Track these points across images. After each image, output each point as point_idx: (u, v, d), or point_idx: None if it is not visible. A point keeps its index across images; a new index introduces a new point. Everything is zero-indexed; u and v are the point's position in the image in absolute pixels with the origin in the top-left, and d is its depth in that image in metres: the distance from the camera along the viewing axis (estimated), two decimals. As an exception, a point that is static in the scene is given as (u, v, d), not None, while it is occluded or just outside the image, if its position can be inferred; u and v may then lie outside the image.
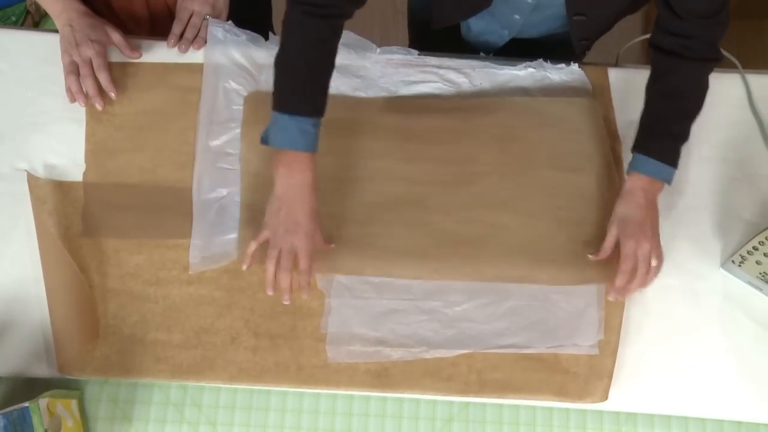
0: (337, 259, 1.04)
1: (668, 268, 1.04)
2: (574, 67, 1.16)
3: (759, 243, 1.04)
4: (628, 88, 1.16)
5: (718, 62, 1.00)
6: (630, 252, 0.99)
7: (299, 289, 0.99)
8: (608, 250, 1.01)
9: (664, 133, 1.01)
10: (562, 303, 1.03)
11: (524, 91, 1.16)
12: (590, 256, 1.02)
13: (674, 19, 0.97)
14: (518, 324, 1.02)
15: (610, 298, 1.01)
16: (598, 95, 1.16)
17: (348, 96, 1.15)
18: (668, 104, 1.01)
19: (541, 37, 1.19)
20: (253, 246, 0.99)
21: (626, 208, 1.01)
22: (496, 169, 1.10)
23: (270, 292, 0.98)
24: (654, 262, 0.99)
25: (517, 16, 1.12)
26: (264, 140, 0.99)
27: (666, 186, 1.09)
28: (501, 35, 1.20)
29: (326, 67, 0.99)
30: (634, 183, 1.01)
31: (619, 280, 0.99)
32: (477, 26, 1.15)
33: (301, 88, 0.98)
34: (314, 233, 0.98)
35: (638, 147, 1.02)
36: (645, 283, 1.00)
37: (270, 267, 0.97)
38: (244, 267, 1.01)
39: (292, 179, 0.97)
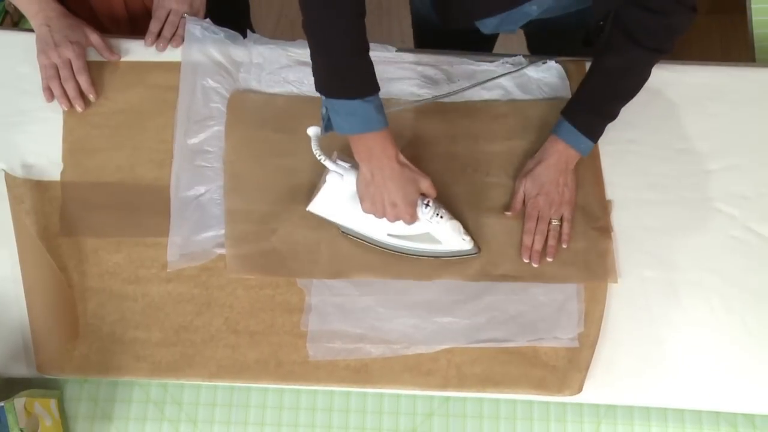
0: (319, 261, 1.04)
1: (645, 259, 1.05)
2: (552, 63, 1.16)
3: None
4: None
5: (666, 54, 1.00)
6: (532, 211, 1.04)
7: None
8: (517, 207, 1.06)
9: (594, 108, 1.04)
10: (541, 297, 1.03)
11: (502, 87, 1.16)
12: (506, 213, 1.06)
13: None
14: (498, 318, 1.02)
15: (525, 260, 1.04)
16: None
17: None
18: (608, 82, 1.03)
19: (557, 20, 1.17)
20: None
21: (536, 166, 1.05)
22: (477, 170, 1.10)
23: None
24: (555, 222, 1.04)
25: (534, 7, 1.08)
26: (328, 127, 0.94)
27: (643, 178, 1.10)
28: (517, 24, 1.17)
29: (367, 40, 0.93)
30: (552, 145, 1.05)
31: (524, 239, 1.04)
32: (491, 24, 1.13)
33: (363, 67, 0.92)
34: (414, 202, 0.97)
35: (566, 114, 1.05)
36: (551, 243, 1.04)
37: None
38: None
39: (378, 161, 0.94)
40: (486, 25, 1.14)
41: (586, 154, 1.05)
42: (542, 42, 1.24)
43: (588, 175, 1.09)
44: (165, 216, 1.06)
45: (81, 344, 1.01)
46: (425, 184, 0.98)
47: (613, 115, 1.04)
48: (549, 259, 1.04)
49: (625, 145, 1.05)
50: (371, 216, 0.98)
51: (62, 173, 1.10)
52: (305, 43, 1.16)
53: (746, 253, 1.06)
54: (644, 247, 1.06)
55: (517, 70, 1.16)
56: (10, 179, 1.08)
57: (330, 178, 0.98)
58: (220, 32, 1.17)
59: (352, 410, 1.02)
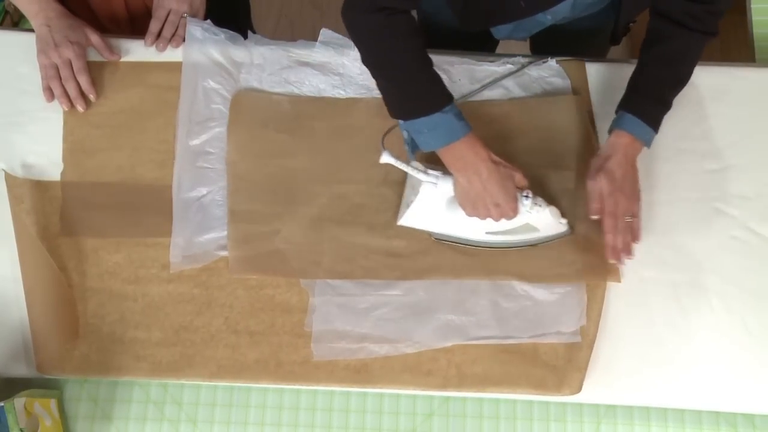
0: (322, 262, 1.04)
1: (645, 259, 1.05)
2: (552, 62, 1.16)
3: None
4: (606, 81, 1.16)
5: (715, 37, 1.00)
6: (611, 209, 1.01)
7: None
8: (599, 207, 1.02)
9: (654, 97, 1.03)
10: (543, 293, 1.03)
11: (503, 86, 1.16)
12: (593, 217, 1.03)
13: None
14: (500, 315, 1.02)
15: (612, 260, 1.02)
16: (577, 90, 1.16)
17: (336, 98, 1.15)
18: (663, 70, 1.03)
19: (570, 24, 1.18)
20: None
21: (606, 163, 1.02)
22: None
23: None
24: (628, 219, 1.02)
25: (549, 17, 1.10)
26: (414, 149, 0.95)
27: (643, 178, 1.10)
28: (531, 32, 1.19)
29: (428, 54, 0.94)
30: (617, 140, 1.02)
31: (608, 239, 1.01)
32: (505, 30, 1.15)
33: (431, 81, 0.93)
34: (514, 197, 0.97)
35: (627, 106, 1.03)
36: (627, 240, 1.01)
37: None
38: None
39: (473, 167, 0.95)
40: (499, 31, 1.14)
41: (650, 144, 1.03)
42: (549, 46, 1.24)
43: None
44: (165, 216, 1.07)
45: (81, 344, 1.01)
46: (518, 177, 0.98)
47: (670, 104, 1.04)
48: (630, 257, 1.02)
49: (625, 145, 1.05)
50: (469, 219, 0.98)
51: (62, 173, 1.10)
52: (306, 43, 1.18)
53: (746, 253, 1.06)
54: (644, 247, 1.06)
55: (519, 69, 1.16)
56: (10, 179, 1.08)
57: (424, 189, 0.99)
58: (221, 33, 1.17)
59: (352, 410, 1.02)
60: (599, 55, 1.37)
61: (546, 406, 1.02)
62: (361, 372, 1.00)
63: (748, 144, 1.13)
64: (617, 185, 1.01)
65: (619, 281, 1.04)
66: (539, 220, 1.01)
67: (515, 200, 0.97)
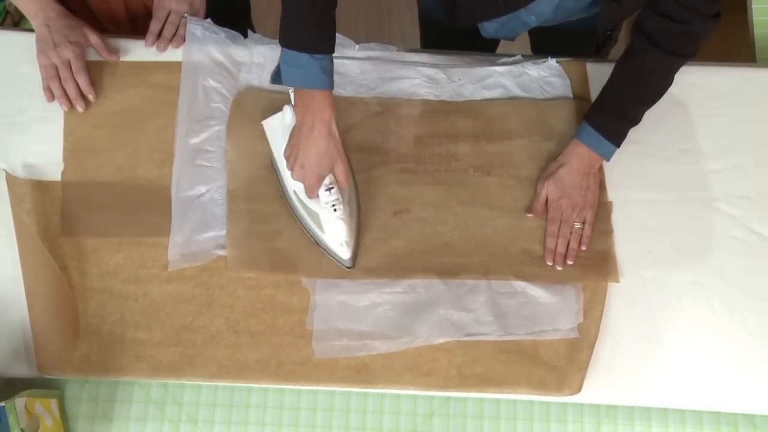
0: (321, 264, 1.04)
1: (646, 259, 1.06)
2: (552, 62, 1.17)
3: None
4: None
5: (690, 58, 1.00)
6: (555, 214, 1.05)
7: None
8: (539, 209, 1.06)
9: (617, 112, 1.04)
10: (540, 290, 1.03)
11: (503, 86, 1.16)
12: (528, 215, 1.07)
13: (672, 2, 0.95)
14: (499, 311, 1.02)
15: (549, 263, 1.04)
16: (578, 90, 1.16)
17: (336, 97, 1.14)
18: (630, 86, 1.03)
19: (560, 26, 1.18)
20: None
21: (558, 169, 1.05)
22: (478, 169, 1.10)
23: None
24: (577, 225, 1.04)
25: (533, 17, 1.10)
26: (276, 78, 0.96)
27: (644, 178, 1.10)
28: (516, 32, 1.19)
29: (334, 1, 0.95)
30: (574, 149, 1.06)
31: (548, 242, 1.05)
32: (491, 28, 1.15)
33: (317, 24, 0.93)
34: (320, 176, 0.96)
35: (589, 118, 1.05)
36: (573, 246, 1.04)
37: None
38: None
39: (310, 120, 0.95)
40: (486, 29, 1.14)
41: (609, 158, 1.05)
42: (548, 48, 1.24)
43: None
44: (166, 216, 1.07)
45: (82, 344, 1.01)
46: (339, 168, 0.97)
47: (636, 120, 1.05)
48: (569, 262, 1.04)
49: (626, 146, 1.05)
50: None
51: (63, 173, 1.10)
52: (306, 42, 1.18)
53: (747, 253, 1.06)
54: (645, 247, 1.06)
55: (514, 63, 1.16)
56: (10, 179, 1.08)
57: (286, 108, 1.02)
58: (221, 32, 1.17)
59: (352, 410, 1.02)
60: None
61: (547, 407, 1.02)
62: (362, 372, 1.00)
63: (748, 144, 1.13)
64: (565, 192, 1.05)
65: (618, 281, 1.04)
66: (326, 222, 1.00)
67: (319, 178, 0.96)
